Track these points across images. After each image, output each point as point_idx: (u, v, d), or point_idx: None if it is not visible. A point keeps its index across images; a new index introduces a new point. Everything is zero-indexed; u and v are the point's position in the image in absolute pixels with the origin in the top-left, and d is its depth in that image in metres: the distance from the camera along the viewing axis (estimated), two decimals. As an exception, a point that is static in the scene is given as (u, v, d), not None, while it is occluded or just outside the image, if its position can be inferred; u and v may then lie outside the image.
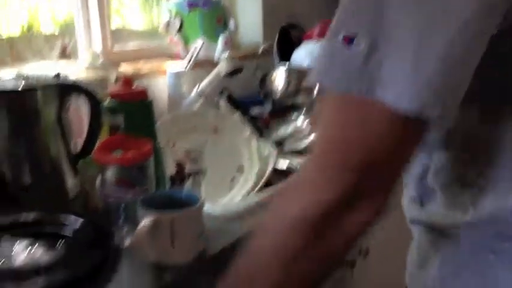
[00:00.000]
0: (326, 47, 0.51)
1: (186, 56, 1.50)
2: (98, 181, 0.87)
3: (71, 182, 0.99)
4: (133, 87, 0.86)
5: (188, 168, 0.90)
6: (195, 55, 1.43)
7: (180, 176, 0.91)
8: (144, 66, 1.43)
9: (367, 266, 1.30)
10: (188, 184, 0.89)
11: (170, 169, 0.95)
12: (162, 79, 1.42)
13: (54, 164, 0.97)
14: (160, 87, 1.41)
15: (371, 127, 0.48)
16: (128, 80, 0.85)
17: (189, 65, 1.39)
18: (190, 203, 0.78)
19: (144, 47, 1.60)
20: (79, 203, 0.96)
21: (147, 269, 0.76)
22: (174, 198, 0.80)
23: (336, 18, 0.50)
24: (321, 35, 1.72)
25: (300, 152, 1.29)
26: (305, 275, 0.54)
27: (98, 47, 1.44)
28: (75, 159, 0.99)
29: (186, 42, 1.57)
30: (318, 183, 0.51)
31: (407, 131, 0.49)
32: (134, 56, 1.51)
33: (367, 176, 0.49)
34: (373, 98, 0.47)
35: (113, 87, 0.91)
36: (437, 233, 0.62)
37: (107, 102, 0.86)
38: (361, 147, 0.49)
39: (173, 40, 1.57)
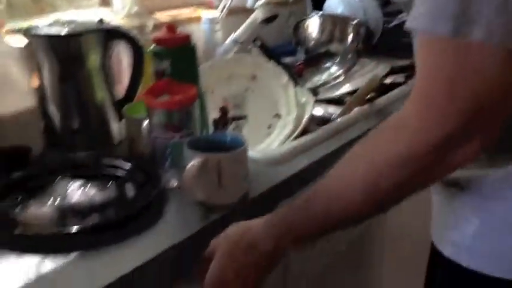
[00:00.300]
0: None
1: (218, 5, 1.50)
2: (144, 125, 0.91)
3: (115, 127, 1.02)
4: (177, 33, 0.87)
5: (231, 113, 0.92)
6: (229, 2, 1.42)
7: (223, 121, 0.93)
8: (178, 14, 1.43)
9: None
10: (231, 129, 0.92)
11: (211, 114, 0.97)
12: (197, 27, 1.43)
13: (99, 109, 1.00)
14: (195, 35, 1.41)
15: (471, 65, 0.51)
16: (171, 26, 0.86)
17: (223, 12, 1.39)
18: (235, 145, 0.80)
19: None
20: (124, 148, 0.99)
21: (194, 209, 0.79)
22: (219, 141, 0.82)
23: None
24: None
25: (334, 100, 1.29)
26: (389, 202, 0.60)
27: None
28: (119, 105, 1.02)
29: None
30: (425, 123, 0.53)
31: (505, 65, 0.50)
32: (168, 4, 1.51)
33: (474, 114, 0.51)
34: (470, 37, 0.50)
35: (158, 33, 0.92)
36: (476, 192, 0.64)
37: (152, 48, 0.87)
38: (465, 85, 0.51)
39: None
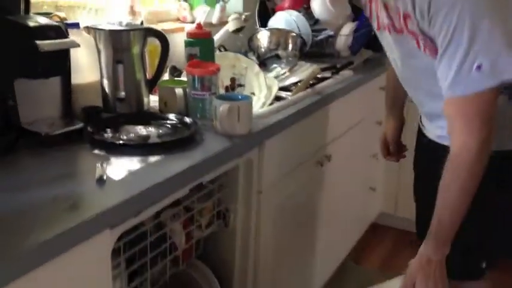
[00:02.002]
0: (462, 70, 1.04)
1: (190, 20, 1.99)
2: (177, 92, 1.37)
3: (146, 99, 1.47)
4: (202, 29, 1.36)
5: (237, 83, 1.41)
6: (203, 19, 1.92)
7: (232, 86, 1.42)
8: (167, 25, 1.90)
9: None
10: (236, 91, 1.41)
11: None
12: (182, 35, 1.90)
13: (137, 85, 1.45)
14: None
15: (489, 100, 1.05)
16: (199, 25, 1.35)
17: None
18: (245, 99, 1.30)
19: (159, 10, 2.06)
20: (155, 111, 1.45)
21: (220, 137, 1.27)
22: (235, 97, 1.32)
23: (464, 54, 1.03)
24: (290, 6, 2.26)
25: (284, 88, 1.82)
26: (471, 188, 1.10)
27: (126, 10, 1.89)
28: (149, 83, 1.47)
29: (191, 8, 2.05)
30: (471, 135, 1.07)
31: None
32: (157, 19, 1.97)
33: (490, 123, 1.06)
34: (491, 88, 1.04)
35: (190, 29, 1.40)
36: None
37: (186, 39, 1.35)
38: (487, 112, 1.06)
39: (182, 6, 2.05)
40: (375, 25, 1.26)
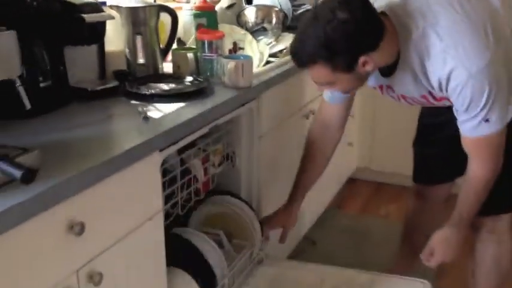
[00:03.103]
0: (474, 120, 1.34)
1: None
2: (189, 56, 1.67)
3: (161, 65, 1.76)
4: (207, 3, 1.66)
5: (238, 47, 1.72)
6: (198, -2, 2.20)
7: (234, 49, 1.73)
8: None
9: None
10: (238, 53, 1.72)
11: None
12: (179, 13, 2.19)
13: (154, 53, 1.73)
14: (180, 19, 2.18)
15: (499, 143, 1.38)
16: (205, 0, 1.65)
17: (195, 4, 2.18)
18: (247, 58, 1.61)
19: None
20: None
21: (227, 90, 1.57)
22: (238, 57, 1.62)
23: (480, 109, 1.31)
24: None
25: (272, 54, 2.13)
26: (485, 194, 1.46)
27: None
28: (163, 52, 1.77)
29: (186, -10, 2.33)
30: (489, 167, 1.42)
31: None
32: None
33: (501, 154, 1.40)
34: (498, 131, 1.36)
35: (197, 4, 1.70)
36: None
37: (195, 11, 1.64)
38: (498, 152, 1.39)
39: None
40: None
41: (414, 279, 1.70)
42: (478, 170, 1.43)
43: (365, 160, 3.05)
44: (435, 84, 1.33)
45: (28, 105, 1.09)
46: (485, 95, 1.29)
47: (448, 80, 1.30)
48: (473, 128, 1.35)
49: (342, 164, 2.84)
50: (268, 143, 1.83)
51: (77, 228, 0.99)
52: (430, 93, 1.40)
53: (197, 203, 1.65)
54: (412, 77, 1.37)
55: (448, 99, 1.37)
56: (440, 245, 1.54)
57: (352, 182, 3.04)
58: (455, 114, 1.38)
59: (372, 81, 1.47)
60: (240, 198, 1.73)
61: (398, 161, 3.07)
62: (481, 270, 1.75)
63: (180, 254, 1.42)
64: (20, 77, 1.11)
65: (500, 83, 1.31)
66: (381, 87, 1.51)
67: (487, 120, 1.33)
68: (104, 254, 1.09)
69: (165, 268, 1.31)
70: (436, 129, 1.75)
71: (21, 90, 1.07)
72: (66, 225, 0.98)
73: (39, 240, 0.94)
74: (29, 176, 0.85)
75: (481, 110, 1.31)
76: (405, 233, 2.05)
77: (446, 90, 1.33)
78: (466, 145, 1.41)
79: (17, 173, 0.85)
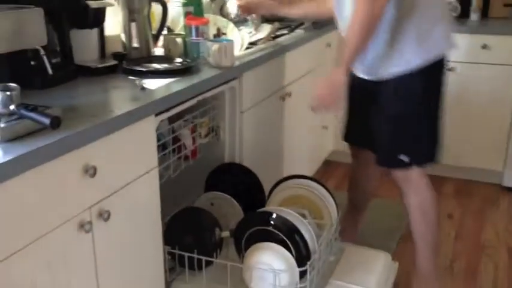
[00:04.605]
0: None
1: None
2: (178, 40, 1.89)
3: (153, 49, 1.99)
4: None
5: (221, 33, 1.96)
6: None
7: (218, 34, 1.96)
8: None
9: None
10: (221, 37, 1.95)
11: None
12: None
13: (146, 37, 1.96)
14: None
15: None
16: (192, -10, 1.88)
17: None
18: (229, 41, 1.84)
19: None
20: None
21: (212, 69, 1.80)
22: (221, 40, 1.85)
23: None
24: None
25: (251, 43, 2.37)
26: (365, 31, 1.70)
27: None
28: (155, 37, 1.99)
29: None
30: (362, 8, 1.67)
31: None
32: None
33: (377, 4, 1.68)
34: None
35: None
36: None
37: (183, 1, 1.87)
38: None
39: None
40: None
41: (378, 250, 1.96)
42: (355, 12, 1.68)
43: (340, 143, 3.29)
44: None
45: (50, 71, 1.31)
46: None
47: None
48: None
49: (318, 146, 3.09)
50: (249, 118, 2.06)
51: (91, 171, 1.21)
52: None
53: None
54: None
55: None
56: (322, 85, 1.79)
57: (328, 164, 3.29)
58: None
59: None
60: (312, 179, 1.92)
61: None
62: (413, 224, 2.00)
63: (278, 230, 1.59)
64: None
65: None
66: None
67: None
68: (112, 196, 1.31)
69: (159, 214, 1.53)
70: (357, 103, 2.07)
71: (45, 58, 1.29)
72: (82, 167, 1.20)
73: (61, 178, 1.16)
74: (56, 122, 1.07)
75: None
76: (348, 190, 2.36)
77: None
78: None
79: (46, 120, 1.07)
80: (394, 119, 1.87)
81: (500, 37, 2.91)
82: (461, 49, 2.98)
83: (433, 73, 1.83)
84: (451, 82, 3.05)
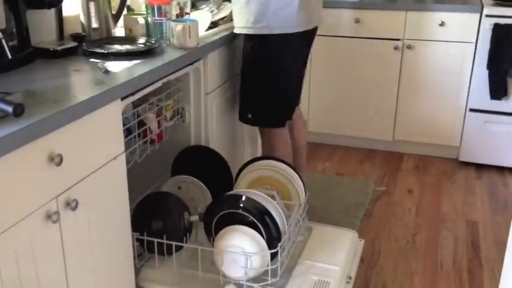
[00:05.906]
0: None
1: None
2: (139, 21, 1.84)
3: (113, 29, 1.92)
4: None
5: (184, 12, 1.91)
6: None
7: (181, 14, 1.91)
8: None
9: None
10: (184, 17, 1.90)
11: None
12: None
13: (106, 18, 1.89)
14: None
15: None
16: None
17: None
18: (193, 21, 1.80)
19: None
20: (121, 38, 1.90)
21: (176, 50, 1.76)
22: (184, 20, 1.81)
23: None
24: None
25: (214, 22, 2.32)
26: None
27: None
28: (115, 17, 1.92)
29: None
30: None
31: None
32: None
33: None
34: None
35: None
36: None
37: (144, -18, 1.81)
38: None
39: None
40: None
41: (345, 228, 1.99)
42: None
43: (302, 122, 3.32)
44: None
45: (9, 55, 1.24)
46: None
47: None
48: None
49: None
50: (214, 100, 2.03)
51: (57, 160, 1.17)
52: None
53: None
54: None
55: None
56: None
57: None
58: None
59: None
60: (279, 160, 1.89)
61: (332, 123, 3.38)
62: None
63: (248, 212, 1.57)
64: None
65: None
66: None
67: None
68: (79, 184, 1.27)
69: (127, 200, 1.50)
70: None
71: (3, 41, 1.22)
72: (47, 155, 1.16)
73: (26, 168, 1.11)
74: (20, 109, 1.02)
75: None
76: None
77: None
78: None
79: (9, 108, 1.01)
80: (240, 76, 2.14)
81: (456, 14, 2.97)
82: (419, 27, 3.03)
83: (273, 44, 1.99)
84: (408, 60, 3.11)
